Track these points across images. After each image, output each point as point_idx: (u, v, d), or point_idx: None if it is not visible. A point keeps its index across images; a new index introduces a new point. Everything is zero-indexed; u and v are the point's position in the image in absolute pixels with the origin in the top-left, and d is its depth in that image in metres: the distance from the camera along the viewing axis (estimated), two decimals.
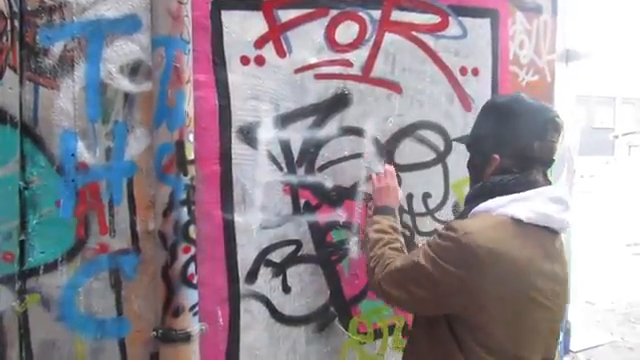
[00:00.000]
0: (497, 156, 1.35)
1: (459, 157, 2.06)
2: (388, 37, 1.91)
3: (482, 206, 1.32)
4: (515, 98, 1.40)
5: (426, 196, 2.04)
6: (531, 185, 1.31)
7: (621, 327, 5.18)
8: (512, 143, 1.33)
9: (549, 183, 1.36)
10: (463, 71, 2.04)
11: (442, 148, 2.04)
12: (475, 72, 2.06)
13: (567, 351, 3.92)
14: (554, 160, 1.38)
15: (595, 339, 4.77)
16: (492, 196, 1.32)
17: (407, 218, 2.02)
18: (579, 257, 3.54)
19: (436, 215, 2.06)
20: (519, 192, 1.29)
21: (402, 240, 1.61)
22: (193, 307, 1.64)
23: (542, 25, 2.18)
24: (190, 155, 1.63)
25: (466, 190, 2.03)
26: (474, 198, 1.38)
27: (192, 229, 1.64)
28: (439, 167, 2.05)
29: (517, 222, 1.26)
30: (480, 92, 2.08)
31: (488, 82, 2.09)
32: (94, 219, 1.65)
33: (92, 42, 1.61)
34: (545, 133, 1.32)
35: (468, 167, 1.51)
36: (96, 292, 1.66)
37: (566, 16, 2.34)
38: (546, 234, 1.29)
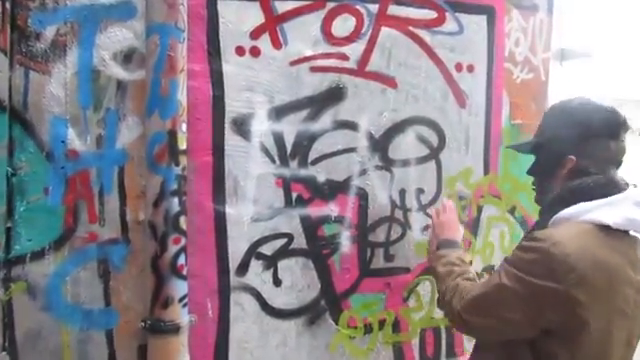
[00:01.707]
0: (573, 157, 1.31)
1: (452, 153, 2.06)
2: (384, 31, 1.90)
3: (563, 213, 1.27)
4: (585, 99, 1.38)
5: (419, 192, 2.04)
6: (612, 186, 1.28)
7: None
8: (589, 143, 1.30)
9: (627, 183, 1.33)
10: (458, 67, 2.03)
11: (436, 144, 2.03)
12: (470, 69, 2.06)
13: None
14: (623, 161, 1.35)
15: None
16: (573, 201, 1.27)
17: (399, 214, 2.01)
18: None
19: (428, 211, 2.05)
20: (601, 194, 1.25)
21: (473, 271, 1.51)
22: (182, 298, 1.62)
23: (538, 23, 2.18)
24: (182, 145, 1.61)
25: (459, 186, 2.08)
26: (552, 206, 1.33)
27: (183, 220, 1.62)
28: (432, 163, 2.04)
29: (602, 229, 1.22)
30: (475, 89, 2.07)
31: (483, 79, 2.08)
32: (83, 208, 1.62)
33: (85, 27, 1.58)
34: (619, 133, 1.31)
35: (533, 172, 1.47)
36: (84, 282, 1.64)
37: (562, 15, 2.34)
38: (629, 242, 1.26)
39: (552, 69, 2.31)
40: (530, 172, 1.48)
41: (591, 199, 1.25)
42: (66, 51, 1.56)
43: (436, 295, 1.98)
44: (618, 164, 1.34)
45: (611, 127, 1.31)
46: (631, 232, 1.26)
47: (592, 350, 1.19)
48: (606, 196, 1.25)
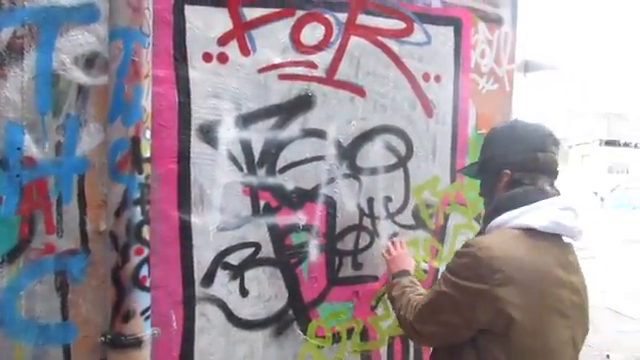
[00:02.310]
0: (508, 171, 1.41)
1: (420, 162, 2.08)
2: (353, 40, 1.91)
3: (496, 221, 1.37)
4: (515, 120, 1.55)
5: (387, 200, 2.05)
6: (540, 194, 1.36)
7: None
8: (519, 157, 1.40)
9: (557, 192, 1.41)
10: (426, 77, 2.06)
11: (404, 152, 2.05)
12: (437, 79, 2.08)
13: None
14: (558, 172, 1.44)
15: None
16: (505, 209, 1.36)
17: (367, 222, 2.01)
18: None
19: (396, 219, 2.07)
20: (530, 202, 1.34)
21: (423, 290, 1.62)
22: (145, 311, 1.58)
23: (503, 36, 2.23)
24: (146, 152, 1.57)
25: (426, 194, 2.11)
26: (488, 217, 1.43)
27: (145, 229, 1.57)
28: (400, 171, 2.06)
29: (531, 233, 1.30)
30: (442, 98, 2.10)
31: (450, 89, 2.11)
32: (40, 217, 1.56)
33: (45, 30, 1.53)
34: (545, 145, 1.41)
35: (481, 192, 1.57)
36: (40, 295, 1.57)
37: (526, 28, 2.40)
38: (559, 245, 1.34)
39: (516, 80, 2.37)
40: (480, 193, 1.58)
41: (519, 206, 1.34)
42: (23, 54, 1.50)
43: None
44: (551, 174, 1.42)
45: (538, 141, 1.41)
46: (564, 238, 1.35)
47: (526, 346, 1.25)
48: (534, 203, 1.34)
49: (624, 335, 5.21)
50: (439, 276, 1.64)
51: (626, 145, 21.93)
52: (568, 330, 1.32)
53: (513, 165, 1.40)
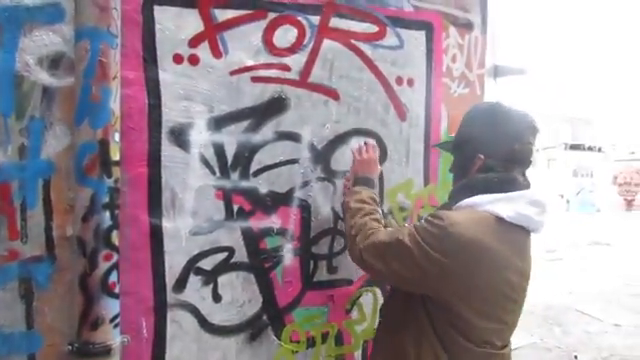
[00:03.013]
0: (482, 156, 1.43)
1: (393, 165, 2.09)
2: (326, 43, 1.91)
3: (467, 201, 1.39)
4: (497, 104, 1.52)
5: None
6: (513, 184, 1.40)
7: (540, 328, 5.51)
8: (496, 144, 1.42)
9: (528, 183, 1.44)
10: (399, 81, 2.07)
11: (377, 156, 2.05)
12: (410, 82, 2.10)
13: None
14: (532, 161, 1.47)
15: (516, 340, 5.02)
16: (476, 192, 1.39)
17: (342, 225, 2.00)
18: None
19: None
20: (502, 190, 1.37)
21: (380, 211, 1.65)
22: (114, 318, 1.53)
23: (473, 40, 2.27)
24: (115, 156, 1.53)
25: (400, 197, 2.11)
26: (459, 193, 1.46)
27: (115, 235, 1.53)
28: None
29: (498, 220, 1.34)
30: (415, 102, 2.12)
31: (422, 92, 2.13)
32: (3, 223, 1.50)
33: (7, 30, 1.48)
34: (524, 136, 1.43)
35: (452, 169, 1.60)
36: (3, 303, 1.51)
37: (496, 33, 2.45)
38: (521, 233, 1.38)
39: (487, 84, 2.41)
40: (450, 169, 1.62)
41: (492, 192, 1.38)
42: None
43: (379, 304, 1.99)
44: (524, 164, 1.46)
45: (517, 130, 1.43)
46: (524, 226, 1.39)
47: (473, 322, 1.33)
48: (506, 192, 1.37)
49: (591, 336, 5.35)
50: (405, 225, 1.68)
51: (590, 149, 22.63)
52: (513, 314, 1.41)
53: (488, 152, 1.42)
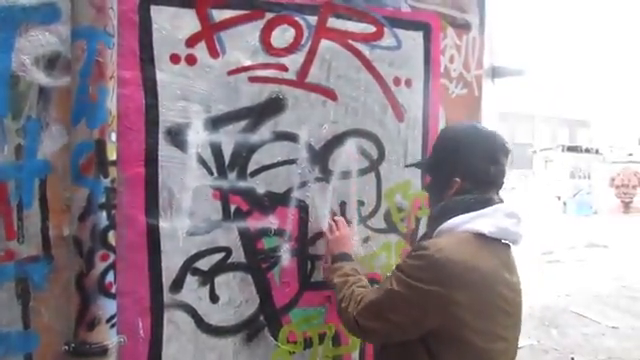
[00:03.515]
0: (458, 179, 1.44)
1: (391, 166, 2.09)
2: (324, 43, 1.91)
3: (446, 225, 1.40)
4: (471, 126, 1.55)
5: (359, 204, 2.05)
6: (489, 203, 1.41)
7: (537, 331, 5.51)
8: (472, 167, 1.43)
9: (502, 201, 1.46)
10: (397, 81, 2.07)
11: (375, 156, 2.05)
12: (408, 83, 2.10)
13: None
14: (504, 182, 1.49)
15: None
16: (454, 214, 1.39)
17: None
18: None
19: (368, 223, 2.07)
20: (478, 209, 1.38)
21: (366, 280, 1.64)
22: (111, 318, 1.53)
23: (471, 41, 2.27)
24: (112, 155, 1.52)
25: (398, 198, 2.11)
26: (437, 218, 1.46)
27: (111, 235, 1.53)
28: (372, 175, 2.06)
29: (478, 237, 1.34)
30: (412, 103, 2.12)
31: (420, 93, 2.13)
32: (0, 223, 1.50)
33: (3, 30, 1.48)
34: (498, 158, 1.46)
35: (428, 189, 1.61)
36: (0, 303, 1.51)
37: (493, 34, 2.45)
38: (501, 247, 1.39)
39: (485, 85, 2.41)
40: (426, 189, 1.64)
41: (469, 212, 1.39)
42: None
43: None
44: (498, 185, 1.48)
45: (491, 153, 1.45)
46: (503, 241, 1.40)
47: (477, 347, 1.29)
48: (482, 210, 1.39)
49: (588, 338, 5.36)
50: (388, 274, 1.66)
51: (587, 151, 22.66)
52: (512, 329, 1.39)
53: (465, 174, 1.44)
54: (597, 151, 22.75)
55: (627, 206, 21.81)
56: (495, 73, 2.53)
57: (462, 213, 1.39)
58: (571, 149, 22.61)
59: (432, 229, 1.46)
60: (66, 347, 1.49)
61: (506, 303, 1.34)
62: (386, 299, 1.35)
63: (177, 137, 1.70)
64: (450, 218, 1.39)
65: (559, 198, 21.18)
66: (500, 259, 1.36)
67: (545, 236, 11.53)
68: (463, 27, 2.24)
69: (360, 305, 1.43)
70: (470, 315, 1.27)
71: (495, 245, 1.36)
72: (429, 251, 1.29)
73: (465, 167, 1.44)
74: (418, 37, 2.11)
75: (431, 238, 1.42)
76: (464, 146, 1.46)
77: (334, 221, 1.91)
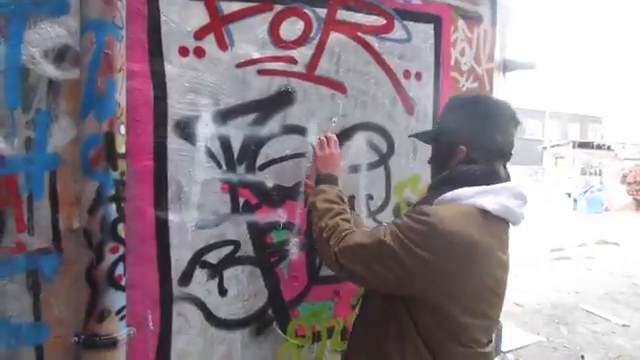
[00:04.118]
0: (463, 147, 1.39)
1: (401, 159, 2.08)
2: (333, 36, 1.89)
3: (450, 194, 1.35)
4: (479, 95, 1.51)
5: (368, 198, 2.04)
6: (494, 176, 1.37)
7: (547, 328, 5.47)
8: (478, 136, 1.39)
9: (509, 175, 1.42)
10: (406, 74, 2.06)
11: (385, 150, 2.04)
12: (418, 76, 2.08)
13: (498, 352, 4.07)
14: (512, 154, 1.44)
15: (523, 339, 5.00)
16: (458, 185, 1.35)
17: None
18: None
19: (377, 217, 2.06)
20: (484, 183, 1.34)
21: (349, 213, 1.60)
22: (120, 311, 1.53)
23: (482, 34, 2.24)
24: (121, 148, 1.52)
25: (407, 192, 2.10)
26: (440, 185, 1.41)
27: (121, 227, 1.53)
28: (381, 169, 2.05)
29: (483, 213, 1.31)
30: (422, 96, 2.10)
31: (430, 87, 2.11)
32: (10, 215, 1.50)
33: (13, 23, 1.47)
34: (507, 128, 1.41)
35: (432, 160, 1.56)
36: (11, 295, 1.51)
37: (504, 28, 2.42)
38: (501, 225, 1.36)
39: (496, 79, 2.39)
40: (429, 161, 1.58)
41: (474, 185, 1.34)
42: None
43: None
44: (505, 157, 1.43)
45: (500, 122, 1.40)
46: (506, 219, 1.36)
47: (458, 319, 1.28)
48: (488, 184, 1.34)
49: (598, 336, 5.30)
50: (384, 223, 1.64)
51: (599, 147, 22.42)
52: (497, 308, 1.39)
53: (470, 143, 1.39)
54: (609, 147, 22.49)
55: (639, 203, 21.56)
56: (507, 66, 2.50)
57: (467, 184, 1.34)
58: (582, 145, 22.39)
59: (434, 195, 1.40)
60: (76, 339, 1.50)
61: (496, 283, 1.33)
62: (375, 248, 1.31)
63: (186, 130, 1.69)
64: (454, 188, 1.35)
65: (569, 195, 21.00)
66: (498, 238, 1.34)
67: (555, 233, 11.43)
68: (474, 19, 2.21)
69: (343, 242, 1.40)
70: (457, 289, 1.26)
71: (495, 222, 1.33)
72: (432, 219, 1.24)
73: (470, 135, 1.39)
74: (429, 30, 2.09)
75: (431, 205, 1.36)
76: (470, 113, 1.42)
77: (326, 138, 1.81)
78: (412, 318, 1.32)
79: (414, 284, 1.27)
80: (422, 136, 1.69)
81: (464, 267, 1.25)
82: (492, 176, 1.37)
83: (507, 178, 1.41)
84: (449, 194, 1.35)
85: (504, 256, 1.36)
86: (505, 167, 1.43)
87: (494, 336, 1.43)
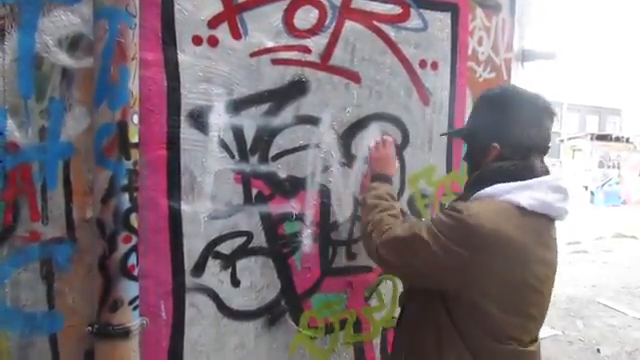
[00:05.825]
0: (497, 145, 1.37)
1: (416, 150, 2.04)
2: (348, 25, 1.86)
3: (485, 191, 1.33)
4: (509, 88, 1.48)
5: None
6: (530, 171, 1.33)
7: (562, 321, 5.41)
8: (510, 131, 1.35)
9: (546, 169, 1.38)
10: (422, 64, 2.01)
11: (399, 141, 2.01)
12: (434, 66, 2.04)
13: None
14: (549, 147, 1.41)
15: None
16: (493, 182, 1.33)
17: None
18: None
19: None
20: (520, 178, 1.31)
21: (399, 208, 1.63)
22: (133, 300, 1.53)
23: (500, 23, 2.19)
24: (134, 138, 1.52)
25: (422, 184, 2.07)
26: (475, 184, 1.39)
27: (134, 217, 1.53)
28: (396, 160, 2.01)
29: (518, 209, 1.27)
30: (438, 86, 2.06)
31: (447, 77, 2.07)
32: (24, 204, 1.51)
33: (26, 11, 1.47)
34: (541, 120, 1.37)
35: (466, 158, 1.54)
36: (25, 284, 1.53)
37: (523, 17, 2.36)
38: (543, 222, 1.32)
39: (514, 69, 2.33)
40: (464, 158, 1.56)
41: (510, 181, 1.31)
42: (4, 35, 1.44)
43: (398, 292, 1.96)
44: (542, 150, 1.39)
45: (532, 115, 1.36)
46: (547, 214, 1.32)
47: (496, 317, 1.26)
48: (524, 179, 1.31)
49: (615, 329, 5.23)
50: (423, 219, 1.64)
51: (617, 140, 21.97)
52: (540, 306, 1.35)
53: (503, 140, 1.36)
54: (627, 140, 22.05)
55: None
56: (525, 56, 2.44)
57: (502, 181, 1.31)
58: (600, 138, 21.97)
59: (469, 194, 1.39)
60: (89, 328, 1.51)
61: (538, 281, 1.29)
62: (411, 242, 1.34)
63: (199, 120, 1.68)
64: (489, 185, 1.33)
65: (586, 188, 20.68)
66: (538, 234, 1.29)
67: (572, 226, 11.28)
68: (493, 8, 2.16)
69: (384, 235, 1.44)
70: (489, 284, 1.24)
71: (535, 219, 1.29)
72: (462, 214, 1.25)
73: (502, 131, 1.36)
74: (445, 18, 2.04)
75: (467, 201, 1.35)
76: (502, 109, 1.38)
77: (382, 139, 1.87)
78: (449, 314, 1.31)
79: (448, 279, 1.28)
80: (455, 134, 1.70)
81: (497, 263, 1.23)
82: (528, 170, 1.33)
83: (545, 172, 1.36)
84: (484, 191, 1.33)
85: (547, 253, 1.31)
86: (542, 161, 1.38)
87: (539, 335, 1.39)
